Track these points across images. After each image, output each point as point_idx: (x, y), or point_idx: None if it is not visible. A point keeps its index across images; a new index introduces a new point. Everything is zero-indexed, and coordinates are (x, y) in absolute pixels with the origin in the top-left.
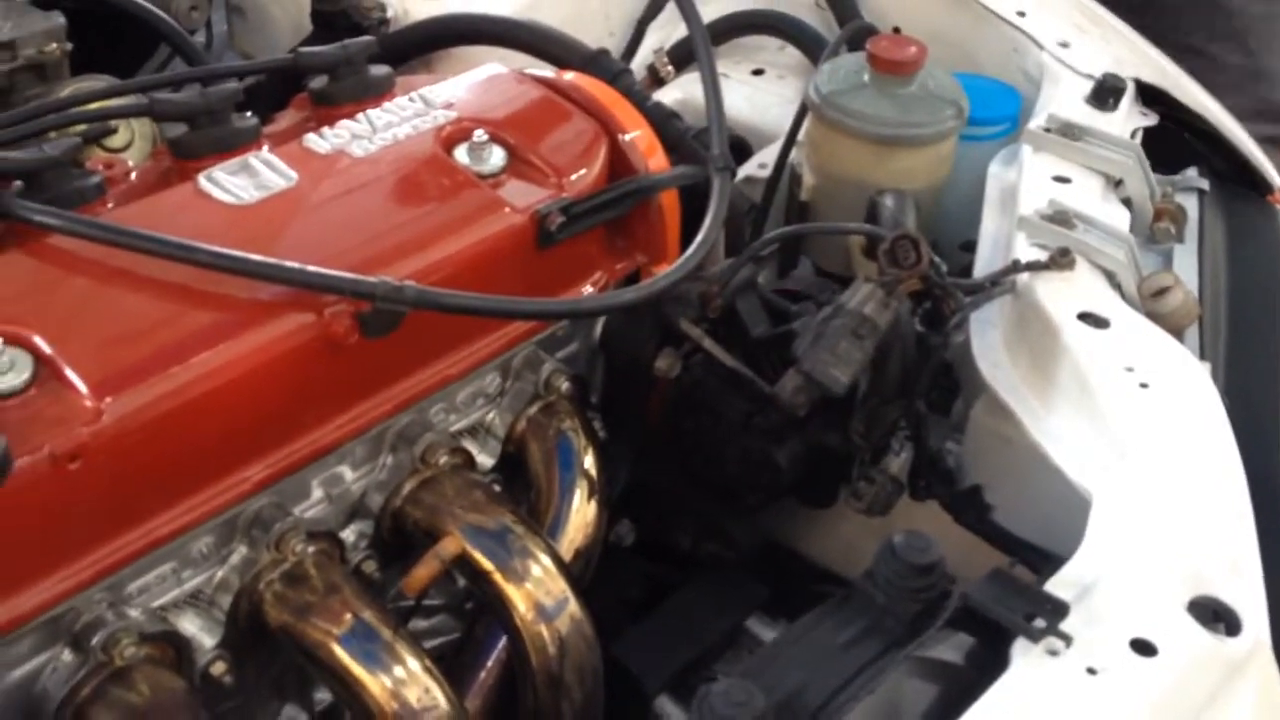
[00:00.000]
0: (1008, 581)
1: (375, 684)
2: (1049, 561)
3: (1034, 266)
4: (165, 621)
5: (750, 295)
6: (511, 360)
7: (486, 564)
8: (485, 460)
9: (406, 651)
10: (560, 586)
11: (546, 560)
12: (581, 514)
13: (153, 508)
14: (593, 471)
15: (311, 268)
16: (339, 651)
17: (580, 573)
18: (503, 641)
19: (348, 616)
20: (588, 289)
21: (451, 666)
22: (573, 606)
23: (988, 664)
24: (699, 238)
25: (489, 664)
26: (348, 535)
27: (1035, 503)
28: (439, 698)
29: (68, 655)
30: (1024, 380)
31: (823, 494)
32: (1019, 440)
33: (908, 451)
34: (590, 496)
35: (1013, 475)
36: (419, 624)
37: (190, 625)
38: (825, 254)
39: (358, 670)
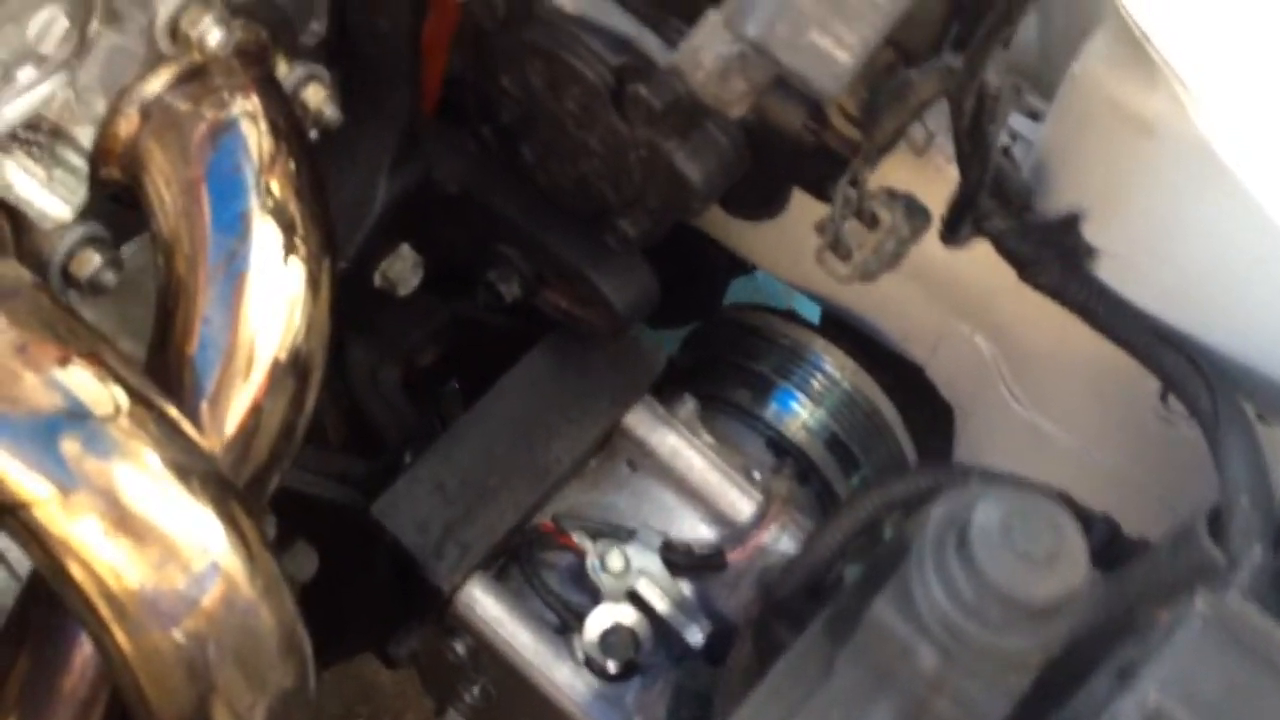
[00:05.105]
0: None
1: None
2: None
3: None
4: None
5: None
6: None
7: (20, 494)
8: (52, 207)
9: None
10: (207, 533)
11: (166, 474)
12: (270, 308)
13: None
14: (290, 204)
15: None
16: None
17: (269, 460)
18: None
19: None
20: None
21: None
22: (231, 565)
23: None
24: None
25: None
26: None
27: (1189, 253)
28: None
29: None
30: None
31: (765, 201)
32: (1172, 126)
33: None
34: (289, 254)
35: (1148, 194)
36: None
37: None
38: None
39: None
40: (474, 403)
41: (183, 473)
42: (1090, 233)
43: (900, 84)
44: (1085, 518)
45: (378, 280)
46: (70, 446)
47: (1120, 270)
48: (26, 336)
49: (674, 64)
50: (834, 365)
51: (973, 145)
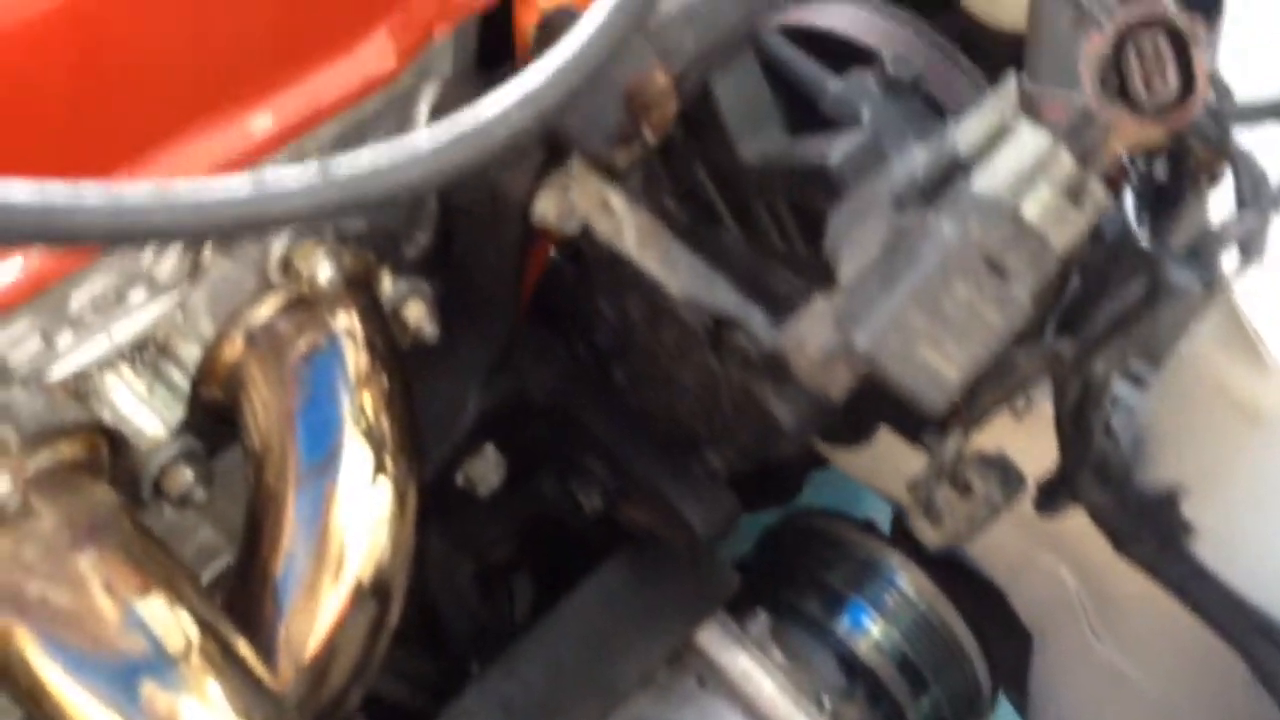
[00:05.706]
0: None
1: None
2: None
3: None
4: None
5: (744, 64)
6: None
7: None
8: (149, 425)
9: None
10: None
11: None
12: (356, 529)
13: None
14: (382, 423)
15: None
16: None
17: (346, 684)
18: None
19: None
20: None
21: None
22: None
23: None
24: None
25: None
26: None
27: None
28: None
29: None
30: None
31: (854, 433)
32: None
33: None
34: (378, 473)
35: (1251, 480)
36: None
37: None
38: None
39: None
40: (544, 594)
41: (248, 717)
42: (1190, 510)
43: (1004, 363)
44: None
45: (459, 480)
46: (146, 689)
47: (1219, 551)
48: (113, 570)
49: (778, 346)
50: (909, 584)
51: (1074, 428)
